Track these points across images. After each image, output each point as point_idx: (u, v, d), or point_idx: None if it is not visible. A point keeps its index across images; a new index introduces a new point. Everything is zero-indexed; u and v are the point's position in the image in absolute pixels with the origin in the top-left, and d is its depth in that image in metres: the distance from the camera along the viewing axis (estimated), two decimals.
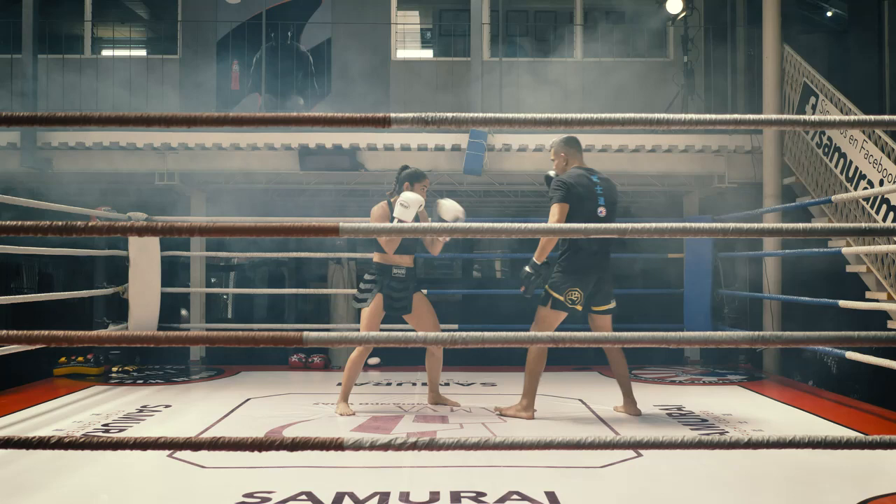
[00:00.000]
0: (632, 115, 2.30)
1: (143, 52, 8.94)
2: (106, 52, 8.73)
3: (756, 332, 2.38)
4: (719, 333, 2.31)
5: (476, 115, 2.33)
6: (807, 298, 6.13)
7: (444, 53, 9.25)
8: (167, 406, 5.03)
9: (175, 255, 7.59)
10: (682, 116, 2.33)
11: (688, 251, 7.03)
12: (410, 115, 2.33)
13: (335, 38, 8.55)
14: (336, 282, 8.50)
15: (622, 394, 4.86)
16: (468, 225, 2.37)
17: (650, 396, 5.44)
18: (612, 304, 4.76)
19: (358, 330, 5.23)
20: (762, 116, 2.39)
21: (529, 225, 2.29)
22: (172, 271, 8.47)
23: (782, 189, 7.18)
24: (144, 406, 5.02)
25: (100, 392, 5.62)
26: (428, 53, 9.60)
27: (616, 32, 8.72)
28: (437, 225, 2.35)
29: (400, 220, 4.57)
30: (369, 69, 8.45)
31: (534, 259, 4.55)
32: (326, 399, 5.25)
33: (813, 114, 6.84)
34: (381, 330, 5.10)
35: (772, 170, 7.15)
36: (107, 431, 4.27)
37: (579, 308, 4.65)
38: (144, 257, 6.53)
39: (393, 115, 2.33)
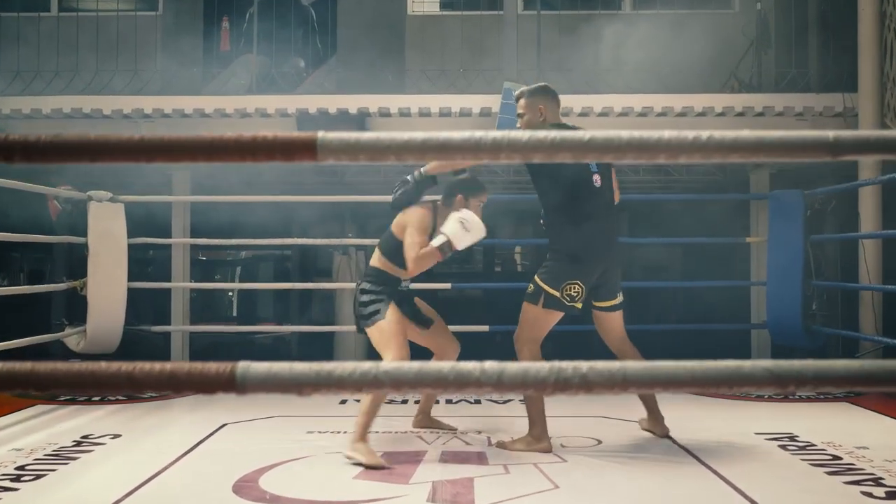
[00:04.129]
0: None
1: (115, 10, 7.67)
2: (72, 12, 7.49)
3: None
4: None
5: None
6: None
7: (472, 6, 7.95)
8: (114, 436, 3.83)
9: (153, 244, 6.43)
10: None
11: (772, 234, 5.74)
12: None
13: None
14: (343, 276, 7.33)
15: (645, 409, 3.80)
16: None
17: (745, 419, 4.21)
18: (620, 299, 3.68)
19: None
20: None
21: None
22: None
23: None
24: (85, 437, 3.83)
25: (41, 413, 4.45)
26: (451, 7, 8.31)
27: None
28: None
29: (448, 245, 3.40)
30: (381, 26, 7.21)
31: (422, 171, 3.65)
32: (324, 425, 4.04)
33: None
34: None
35: None
36: (17, 479, 3.08)
37: (579, 306, 3.51)
38: (106, 245, 5.35)
39: None
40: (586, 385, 0.97)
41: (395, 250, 3.60)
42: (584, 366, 1.00)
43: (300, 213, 8.01)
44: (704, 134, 1.05)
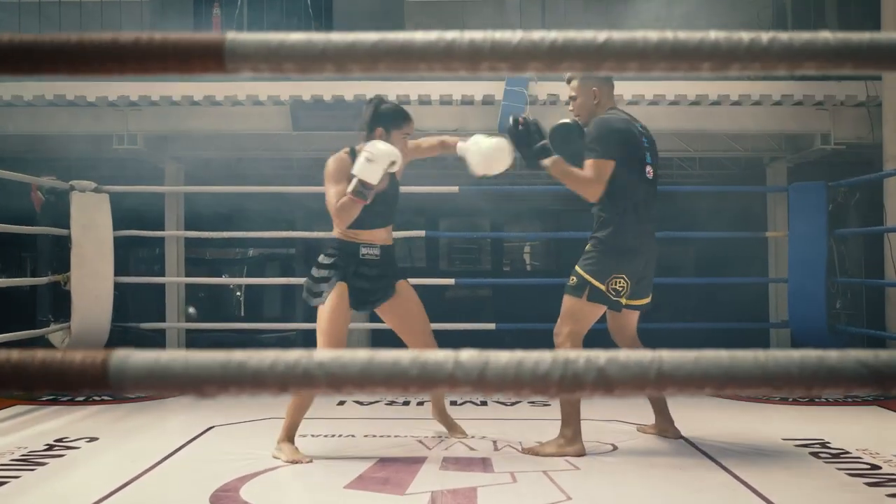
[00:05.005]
0: None
1: None
2: None
3: None
4: None
5: None
6: None
7: None
8: (91, 440, 3.56)
9: (155, 243, 6.17)
10: None
11: (794, 228, 5.44)
12: None
13: None
14: None
15: (654, 410, 3.58)
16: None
17: (769, 423, 3.93)
18: (649, 298, 3.50)
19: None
20: None
21: None
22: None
23: None
24: (60, 440, 3.56)
25: (18, 414, 4.18)
26: None
27: None
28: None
29: (361, 184, 3.04)
30: (378, 11, 6.95)
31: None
32: (318, 428, 3.75)
33: None
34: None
35: None
36: None
37: (623, 301, 3.31)
38: (91, 238, 5.09)
39: None
40: (605, 383, 0.69)
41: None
42: (601, 357, 0.72)
43: (300, 209, 7.75)
44: (765, 36, 0.77)
